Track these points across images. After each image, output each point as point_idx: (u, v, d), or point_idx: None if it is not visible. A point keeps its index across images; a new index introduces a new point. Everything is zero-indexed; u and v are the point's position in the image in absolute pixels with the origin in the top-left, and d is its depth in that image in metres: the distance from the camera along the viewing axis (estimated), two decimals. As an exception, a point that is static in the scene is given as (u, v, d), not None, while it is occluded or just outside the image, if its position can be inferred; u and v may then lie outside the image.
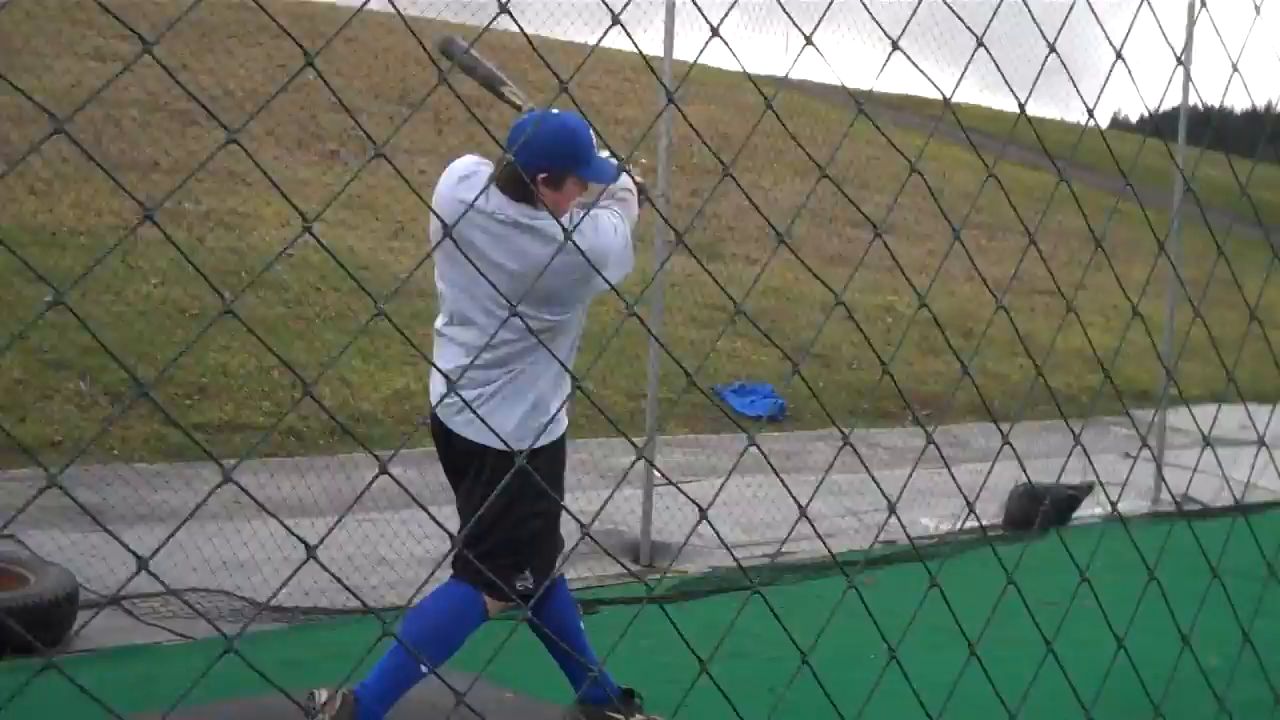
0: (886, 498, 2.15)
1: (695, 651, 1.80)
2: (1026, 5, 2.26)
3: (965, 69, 2.20)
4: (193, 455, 8.93)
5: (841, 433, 1.96)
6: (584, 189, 4.70)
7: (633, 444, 1.69)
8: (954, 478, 2.36)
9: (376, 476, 1.59)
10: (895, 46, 1.95)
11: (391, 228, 15.03)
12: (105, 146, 14.93)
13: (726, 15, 1.71)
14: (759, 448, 1.83)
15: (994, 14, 2.24)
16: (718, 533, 1.78)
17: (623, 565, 4.84)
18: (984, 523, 9.63)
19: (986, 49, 2.17)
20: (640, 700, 5.05)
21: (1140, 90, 2.76)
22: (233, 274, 12.20)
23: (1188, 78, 10.04)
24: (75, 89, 16.29)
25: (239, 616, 6.44)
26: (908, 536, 2.35)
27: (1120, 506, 10.35)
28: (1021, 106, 2.24)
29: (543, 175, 4.50)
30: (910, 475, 2.19)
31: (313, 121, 18.45)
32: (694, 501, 1.67)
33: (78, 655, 5.76)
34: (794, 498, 1.93)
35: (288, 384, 10.35)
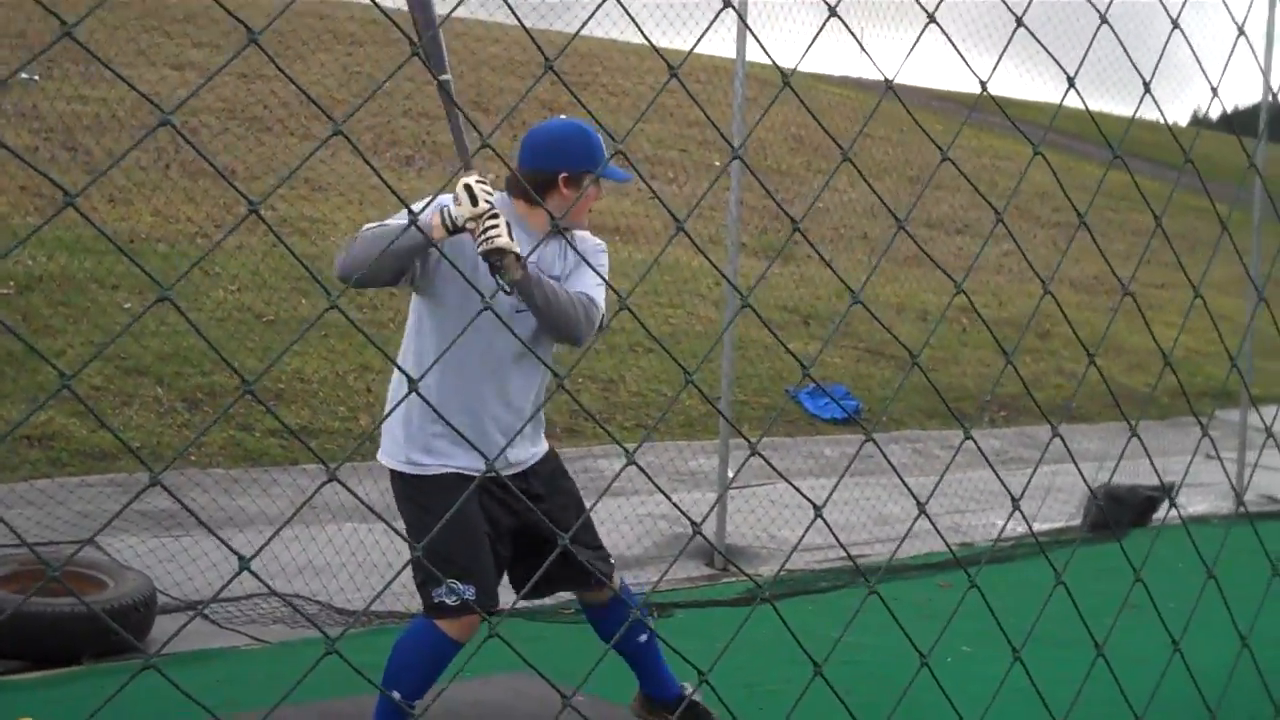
0: (916, 499, 2.10)
1: (696, 665, 1.76)
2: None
3: (1004, 50, 2.16)
4: (269, 461, 8.97)
5: (867, 430, 1.92)
6: (599, 193, 4.83)
7: (624, 448, 1.66)
8: (1001, 480, 2.31)
9: (325, 484, 1.58)
10: (931, 19, 1.91)
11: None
12: (183, 153, 15.06)
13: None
14: (758, 461, 1.79)
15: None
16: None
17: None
18: (1061, 524, 9.52)
19: (1027, 28, 2.13)
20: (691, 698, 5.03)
21: (1213, 79, 2.70)
22: (307, 279, 12.27)
23: (1267, 72, 9.89)
24: (154, 97, 16.41)
25: (316, 621, 6.45)
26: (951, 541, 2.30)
27: (1202, 507, 10.21)
28: (1071, 81, 2.20)
29: (564, 175, 4.53)
30: (939, 479, 2.15)
31: (387, 128, 18.55)
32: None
33: (156, 659, 5.80)
34: (810, 500, 1.89)
35: (362, 388, 10.39)
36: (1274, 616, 3.42)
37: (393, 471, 4.69)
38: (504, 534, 4.65)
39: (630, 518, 8.34)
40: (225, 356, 1.44)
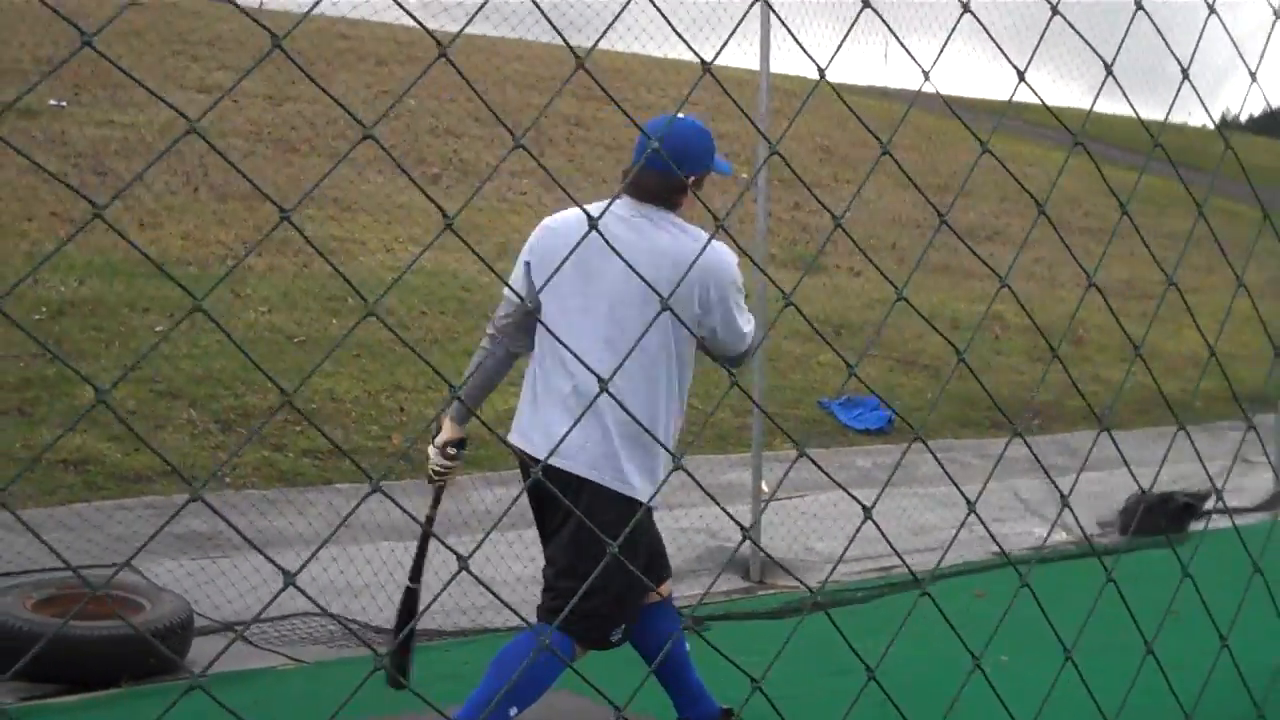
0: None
1: (748, 673, 1.76)
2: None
3: (1041, 37, 2.15)
4: (304, 481, 8.99)
5: (913, 428, 1.92)
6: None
7: (672, 455, 1.66)
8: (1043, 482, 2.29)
9: (368, 495, 1.58)
10: (965, 9, 1.91)
11: (494, 250, 15.10)
12: (211, 176, 15.13)
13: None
14: (804, 462, 1.78)
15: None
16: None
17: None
18: (1097, 532, 9.47)
19: (1064, 17, 2.12)
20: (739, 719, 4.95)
21: (1242, 79, 2.69)
22: (338, 299, 12.31)
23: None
24: (180, 121, 16.52)
25: (352, 641, 6.46)
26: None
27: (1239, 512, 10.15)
28: (1108, 68, 2.18)
29: (693, 178, 4.56)
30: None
31: (414, 146, 18.61)
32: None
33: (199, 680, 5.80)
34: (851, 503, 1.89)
35: (395, 408, 10.41)
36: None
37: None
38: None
39: (666, 533, 8.33)
40: (263, 370, 1.44)
